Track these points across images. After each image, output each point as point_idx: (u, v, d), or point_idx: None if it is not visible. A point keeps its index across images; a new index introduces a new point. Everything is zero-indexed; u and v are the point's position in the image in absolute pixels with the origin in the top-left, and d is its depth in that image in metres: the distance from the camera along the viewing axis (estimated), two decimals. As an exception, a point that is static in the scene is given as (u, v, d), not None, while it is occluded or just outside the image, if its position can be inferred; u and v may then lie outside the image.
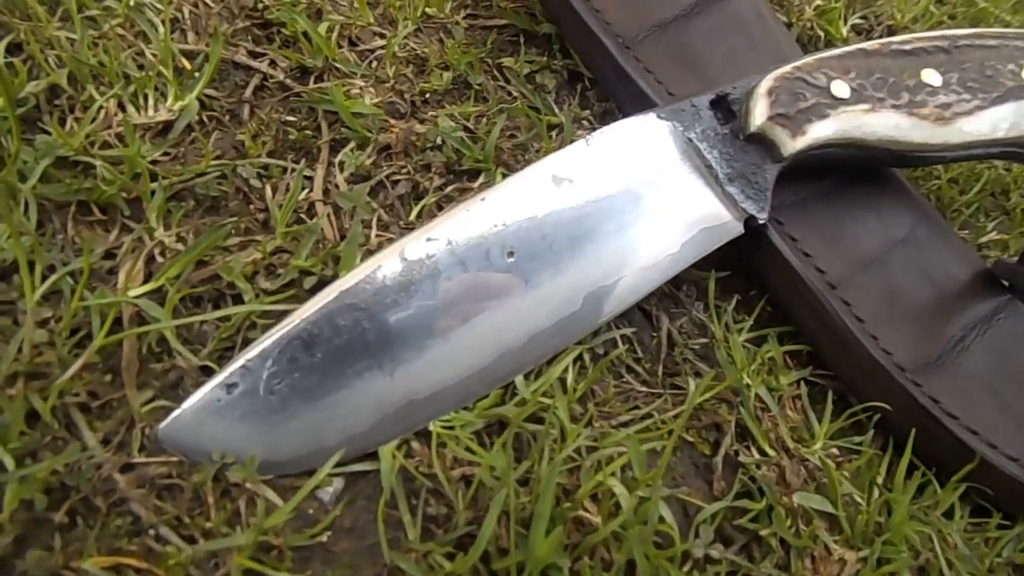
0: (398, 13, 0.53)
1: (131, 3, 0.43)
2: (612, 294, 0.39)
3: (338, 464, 0.34)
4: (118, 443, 0.32)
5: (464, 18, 0.56)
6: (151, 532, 0.30)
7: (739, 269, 0.47)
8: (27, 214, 0.35)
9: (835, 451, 0.41)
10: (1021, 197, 0.63)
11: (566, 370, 0.38)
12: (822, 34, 0.66)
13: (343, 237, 0.41)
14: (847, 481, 0.40)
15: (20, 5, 0.43)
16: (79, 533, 0.29)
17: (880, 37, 0.73)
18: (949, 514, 0.42)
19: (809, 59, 0.44)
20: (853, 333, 0.42)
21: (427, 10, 0.54)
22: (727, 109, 0.43)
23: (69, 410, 0.32)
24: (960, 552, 0.39)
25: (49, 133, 0.38)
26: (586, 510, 0.34)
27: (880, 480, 0.41)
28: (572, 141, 0.42)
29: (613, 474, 0.35)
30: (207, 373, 0.34)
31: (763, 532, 0.36)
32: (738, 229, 0.42)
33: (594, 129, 0.46)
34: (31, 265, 0.34)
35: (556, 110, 0.52)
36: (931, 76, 0.45)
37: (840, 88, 0.43)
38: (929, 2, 0.74)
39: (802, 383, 0.45)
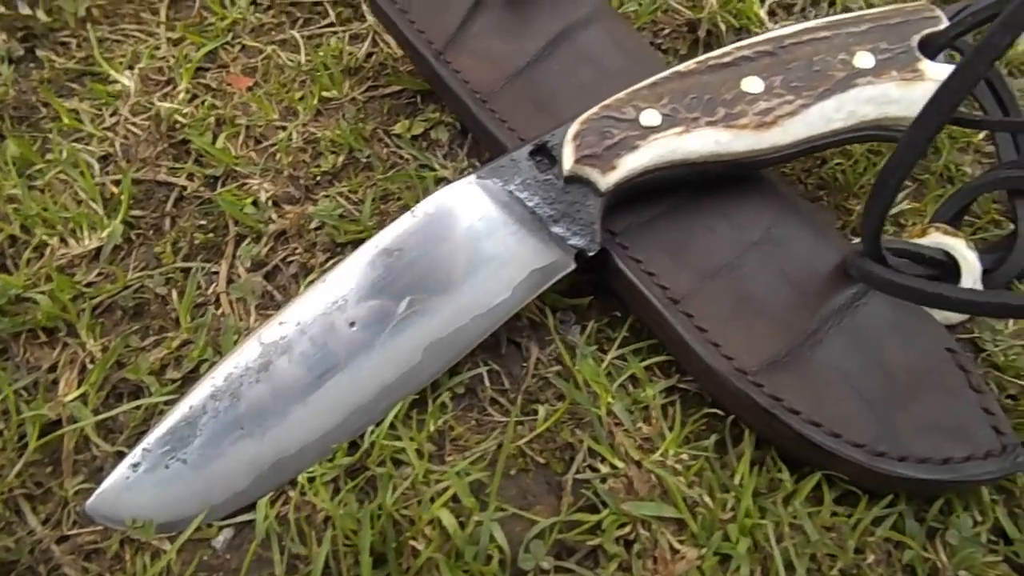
0: (298, 104, 0.61)
1: (63, 156, 0.54)
2: (450, 343, 0.44)
3: (230, 516, 0.42)
4: (55, 520, 0.41)
5: (363, 92, 0.63)
6: (79, 588, 0.40)
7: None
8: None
9: (685, 457, 0.44)
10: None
11: (408, 414, 0.44)
12: (724, 27, 0.67)
13: (243, 322, 0.49)
14: (694, 485, 0.43)
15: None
16: (25, 595, 0.39)
17: (804, 10, 0.73)
18: (820, 502, 0.44)
19: (621, 94, 0.46)
20: (695, 344, 0.45)
21: (324, 94, 0.61)
22: (549, 155, 0.47)
23: (17, 500, 0.42)
24: (805, 538, 0.41)
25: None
26: (427, 537, 0.40)
27: (738, 480, 0.44)
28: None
29: (449, 502, 0.40)
30: (123, 456, 0.43)
31: (591, 543, 0.41)
32: (570, 264, 0.46)
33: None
34: (-12, 389, 0.45)
35: (440, 165, 0.57)
36: (752, 84, 0.46)
37: (650, 117, 0.46)
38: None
39: (674, 392, 0.48)
